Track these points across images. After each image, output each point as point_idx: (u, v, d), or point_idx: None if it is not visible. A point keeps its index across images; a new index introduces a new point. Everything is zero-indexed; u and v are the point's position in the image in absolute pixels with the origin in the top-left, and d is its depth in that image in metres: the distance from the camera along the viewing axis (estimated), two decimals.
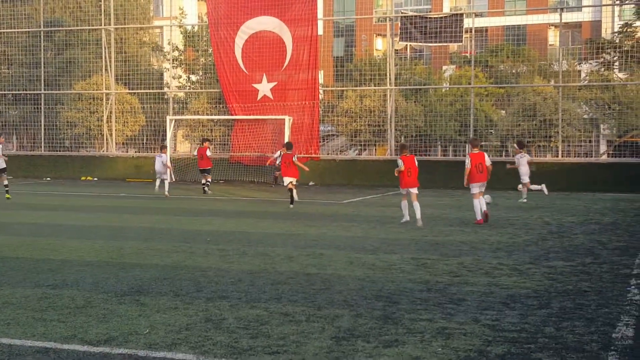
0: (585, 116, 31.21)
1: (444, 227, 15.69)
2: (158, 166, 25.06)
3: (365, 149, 32.83)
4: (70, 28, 36.15)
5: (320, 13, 33.27)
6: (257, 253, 11.65)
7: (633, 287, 9.21)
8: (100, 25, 34.13)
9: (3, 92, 36.34)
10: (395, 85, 30.72)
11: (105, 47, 33.81)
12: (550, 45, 45.03)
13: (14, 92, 36.27)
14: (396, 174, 16.27)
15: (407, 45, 36.60)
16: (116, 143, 34.16)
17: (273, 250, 11.92)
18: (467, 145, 17.11)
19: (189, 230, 14.66)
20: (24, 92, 35.75)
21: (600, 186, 26.51)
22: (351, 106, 31.19)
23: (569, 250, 12.26)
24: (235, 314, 7.54)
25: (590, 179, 27.16)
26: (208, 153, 25.84)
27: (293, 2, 30.67)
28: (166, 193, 23.99)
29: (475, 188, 16.60)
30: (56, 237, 13.46)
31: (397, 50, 35.87)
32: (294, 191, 20.37)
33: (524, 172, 22.50)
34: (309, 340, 6.62)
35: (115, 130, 33.87)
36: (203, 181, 25.98)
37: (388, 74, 30.59)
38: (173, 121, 32.17)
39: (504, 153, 30.97)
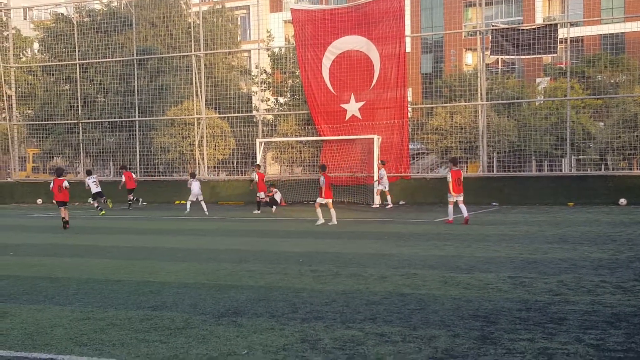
0: None
1: (541, 244, 15.24)
2: (196, 189, 26.99)
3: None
4: (161, 55, 37.29)
5: (407, 30, 33.13)
6: (349, 273, 11.59)
7: None
8: (190, 51, 35.04)
9: (100, 120, 37.72)
10: (486, 100, 30.21)
11: (195, 73, 34.66)
12: None
13: (110, 119, 37.56)
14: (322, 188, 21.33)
15: (498, 58, 35.95)
16: (208, 167, 34.86)
17: (366, 271, 11.83)
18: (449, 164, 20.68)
19: (280, 252, 14.75)
20: (120, 119, 36.98)
21: None
22: (441, 123, 30.86)
23: None
24: (331, 335, 7.50)
25: None
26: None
27: (380, 20, 30.63)
28: (207, 212, 26.32)
29: (459, 197, 20.85)
30: (154, 260, 13.78)
31: (488, 64, 35.25)
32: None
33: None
34: None
35: (207, 154, 34.59)
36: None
37: (479, 89, 30.12)
38: (263, 143, 32.66)
39: (602, 167, 29.90)
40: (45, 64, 40.49)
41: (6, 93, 38.92)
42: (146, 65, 37.71)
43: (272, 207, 27.34)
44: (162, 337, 7.52)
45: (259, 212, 26.76)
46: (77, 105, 37.43)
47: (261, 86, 36.37)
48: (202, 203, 26.90)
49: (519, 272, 11.47)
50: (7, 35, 41.30)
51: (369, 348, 6.96)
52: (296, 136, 33.29)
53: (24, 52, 47.68)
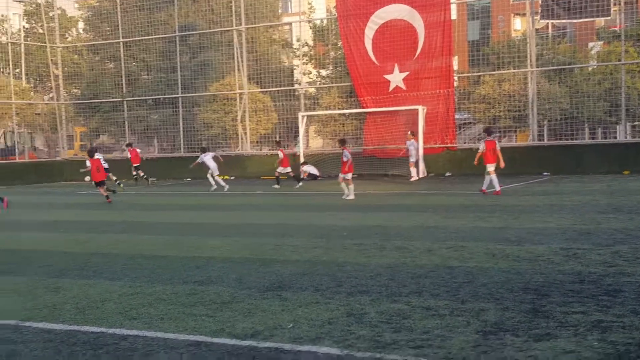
0: None
1: (595, 214, 14.85)
2: (213, 162, 26.53)
3: (505, 136, 31.82)
4: (203, 31, 37.23)
5: None
6: (395, 247, 11.43)
7: None
8: (232, 26, 34.94)
9: (144, 97, 37.99)
10: (536, 67, 29.54)
11: (237, 48, 34.59)
12: None
13: (153, 96, 37.82)
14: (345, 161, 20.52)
15: (548, 23, 35.09)
16: (250, 142, 34.90)
17: (411, 244, 11.66)
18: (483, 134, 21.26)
19: (324, 226, 14.65)
20: (163, 96, 37.20)
21: None
22: (489, 92, 30.30)
23: None
24: (377, 308, 7.38)
25: None
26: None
27: None
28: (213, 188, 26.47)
29: (491, 167, 20.48)
30: (198, 235, 13.82)
31: (538, 29, 34.41)
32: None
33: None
34: (454, 335, 6.36)
35: (249, 129, 34.62)
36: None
37: (528, 55, 29.44)
38: (305, 117, 32.54)
39: None
40: (90, 43, 40.91)
41: (53, 73, 39.45)
42: (188, 41, 37.79)
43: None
44: (209, 311, 7.53)
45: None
46: (122, 83, 37.74)
47: (303, 59, 36.15)
48: (210, 177, 26.72)
49: (571, 243, 11.17)
50: (53, 15, 41.76)
51: (415, 322, 6.82)
52: (339, 109, 33.07)
53: (70, 32, 48.24)
